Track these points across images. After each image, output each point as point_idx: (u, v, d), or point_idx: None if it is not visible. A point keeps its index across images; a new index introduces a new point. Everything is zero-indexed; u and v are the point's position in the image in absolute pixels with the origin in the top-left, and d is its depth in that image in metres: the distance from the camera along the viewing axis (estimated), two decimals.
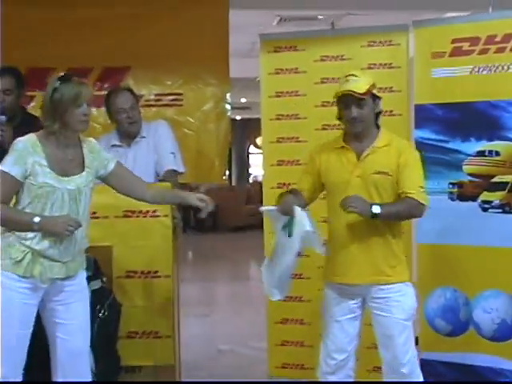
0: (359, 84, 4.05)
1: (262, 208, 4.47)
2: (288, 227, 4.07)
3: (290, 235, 4.07)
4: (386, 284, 4.05)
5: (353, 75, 4.11)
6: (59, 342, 3.78)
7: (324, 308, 4.39)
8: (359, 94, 4.01)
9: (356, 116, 4.05)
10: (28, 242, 3.61)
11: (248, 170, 22.28)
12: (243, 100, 15.93)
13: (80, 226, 3.63)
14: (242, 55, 6.19)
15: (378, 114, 4.23)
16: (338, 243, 4.21)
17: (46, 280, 3.66)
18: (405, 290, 4.11)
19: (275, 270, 4.24)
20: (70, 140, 3.77)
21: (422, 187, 4.12)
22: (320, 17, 7.06)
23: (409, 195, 4.03)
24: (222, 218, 17.61)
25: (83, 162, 3.81)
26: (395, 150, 4.14)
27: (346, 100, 4.07)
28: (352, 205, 3.87)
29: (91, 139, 3.96)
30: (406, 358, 4.08)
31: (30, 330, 3.71)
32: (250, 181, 21.95)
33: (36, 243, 3.62)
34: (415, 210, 4.12)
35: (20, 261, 3.60)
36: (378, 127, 4.24)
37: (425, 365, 5.17)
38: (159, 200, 4.25)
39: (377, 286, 4.06)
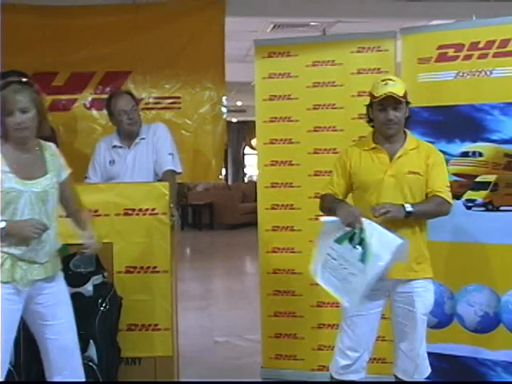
0: (398, 88, 4.06)
1: (323, 218, 4.24)
2: (352, 238, 3.95)
3: (359, 246, 3.94)
4: (413, 280, 4.07)
5: (390, 79, 4.13)
6: (49, 342, 3.75)
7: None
8: (399, 96, 4.03)
9: (393, 118, 4.06)
10: (6, 248, 3.55)
11: (243, 170, 22.30)
12: (239, 103, 15.94)
13: (47, 228, 3.58)
14: (238, 60, 6.21)
15: (407, 119, 4.23)
16: None
17: (27, 283, 3.61)
18: (428, 286, 4.14)
19: (351, 282, 4.01)
20: (26, 145, 3.69)
21: (448, 187, 4.17)
22: (313, 23, 7.09)
23: (437, 194, 4.08)
24: (218, 216, 17.61)
25: (45, 165, 3.73)
26: (424, 152, 4.19)
27: (385, 102, 4.06)
28: (382, 210, 3.87)
29: (51, 144, 3.87)
30: (422, 349, 4.15)
31: (14, 335, 3.66)
32: (246, 180, 21.96)
33: (14, 248, 3.56)
34: (444, 207, 4.15)
35: (0, 267, 3.54)
36: (405, 131, 4.26)
37: None
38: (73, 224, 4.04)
39: (405, 281, 4.07)
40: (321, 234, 4.18)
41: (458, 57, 5.06)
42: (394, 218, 3.90)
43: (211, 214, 17.79)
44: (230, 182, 22.49)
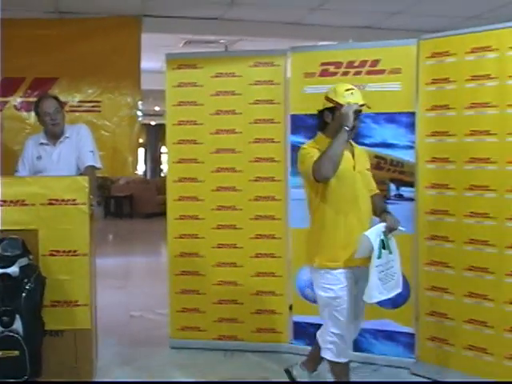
0: (360, 97, 4.05)
1: (366, 233, 3.98)
2: (384, 246, 3.99)
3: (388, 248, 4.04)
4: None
5: (353, 89, 4.05)
6: None
7: (344, 292, 4.04)
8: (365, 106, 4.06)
9: (355, 126, 4.02)
10: None
11: (160, 167, 22.26)
12: (157, 108, 15.90)
13: None
14: (156, 71, 6.26)
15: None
16: (348, 230, 4.04)
17: None
18: None
19: (395, 273, 4.12)
20: None
21: None
22: (222, 41, 7.19)
23: (378, 192, 4.32)
24: (137, 206, 17.61)
25: None
26: (365, 155, 4.32)
27: (358, 111, 4.01)
28: (396, 226, 4.01)
29: None
30: None
31: None
32: (162, 175, 21.89)
33: None
34: None
35: None
36: None
37: (297, 325, 5.46)
38: None
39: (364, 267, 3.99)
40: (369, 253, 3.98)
41: (337, 73, 5.21)
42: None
43: (131, 204, 17.75)
44: (148, 177, 22.44)
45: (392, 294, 4.10)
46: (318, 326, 5.25)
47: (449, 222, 4.85)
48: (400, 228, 4.05)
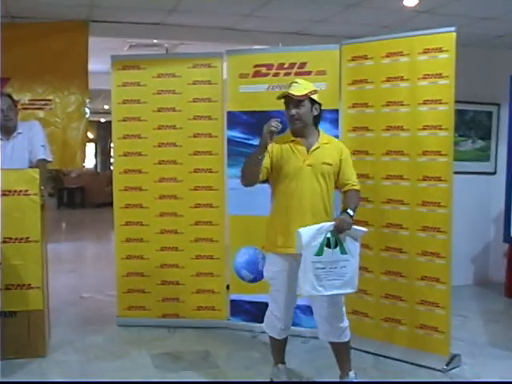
0: (298, 89, 3.93)
1: (300, 230, 3.83)
2: (328, 243, 3.82)
3: (335, 247, 3.84)
4: None
5: (296, 82, 4.00)
6: None
7: (280, 275, 4.05)
8: (295, 96, 3.91)
9: (294, 114, 3.94)
10: None
11: (110, 160, 22.04)
12: (106, 107, 15.75)
13: None
14: (105, 72, 6.20)
15: (316, 117, 4.05)
16: (286, 221, 4.00)
17: None
18: None
19: (346, 273, 3.90)
20: None
21: (357, 177, 4.16)
22: (164, 45, 7.18)
23: (354, 187, 4.07)
24: (88, 197, 17.41)
25: None
26: (336, 148, 4.08)
27: (287, 101, 3.97)
28: (345, 227, 3.81)
29: None
30: None
31: None
32: (111, 168, 21.68)
33: None
34: (359, 197, 4.13)
35: None
36: (318, 128, 4.10)
37: (233, 303, 5.54)
38: None
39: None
40: (305, 246, 3.82)
41: (269, 74, 5.28)
42: (350, 225, 3.84)
43: (83, 195, 17.57)
44: (98, 170, 22.23)
45: (335, 292, 3.90)
46: (253, 303, 5.42)
47: (368, 208, 4.95)
48: (357, 229, 3.91)
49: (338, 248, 3.87)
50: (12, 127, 5.17)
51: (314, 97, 4.00)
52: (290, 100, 3.96)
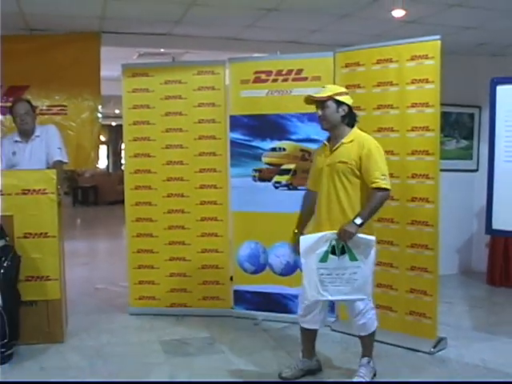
0: (322, 92, 3.90)
1: (302, 237, 3.88)
2: (334, 251, 3.74)
3: (342, 254, 3.74)
4: None
5: (323, 87, 3.99)
6: None
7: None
8: (316, 98, 3.89)
9: (320, 115, 3.90)
10: None
11: (120, 161, 22.06)
12: (117, 111, 15.71)
13: None
14: (116, 79, 6.20)
15: (344, 117, 3.92)
16: (316, 218, 4.04)
17: None
18: None
19: (356, 279, 3.78)
20: None
21: (383, 174, 3.79)
22: (172, 54, 7.17)
23: (374, 185, 3.77)
24: (101, 195, 17.46)
25: None
26: (358, 144, 3.87)
27: (315, 104, 3.93)
28: (345, 238, 3.70)
29: None
30: None
31: None
32: (122, 168, 21.67)
33: None
34: (382, 197, 3.80)
35: None
36: (350, 127, 3.96)
37: (237, 294, 5.55)
38: None
39: None
40: (302, 253, 3.84)
41: (268, 80, 5.29)
42: (352, 235, 3.70)
43: (96, 193, 17.62)
44: (110, 170, 22.24)
45: (343, 298, 3.86)
46: (255, 293, 5.43)
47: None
48: (363, 237, 3.76)
49: (346, 255, 3.74)
50: (29, 130, 5.19)
51: (342, 98, 3.92)
52: (316, 103, 3.95)
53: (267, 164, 5.36)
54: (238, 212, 5.47)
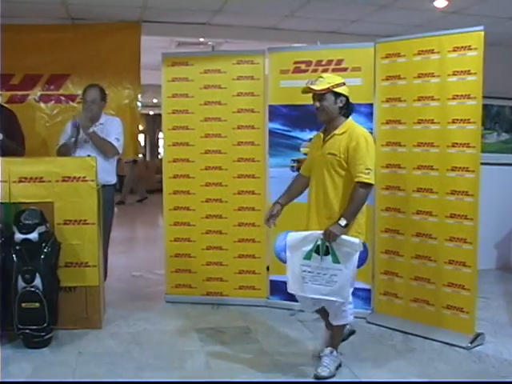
0: (319, 83, 3.85)
1: (290, 234, 3.98)
2: (318, 250, 3.77)
3: (325, 255, 3.75)
4: None
5: (321, 77, 3.94)
6: None
7: None
8: (314, 90, 3.85)
9: (318, 106, 3.88)
10: None
11: (158, 150, 22.18)
12: (155, 100, 15.75)
13: None
14: (154, 68, 6.20)
15: (341, 108, 3.90)
16: (308, 209, 4.08)
17: None
18: None
19: (336, 281, 3.77)
20: None
21: (367, 169, 3.75)
22: (210, 43, 7.19)
23: (356, 180, 3.74)
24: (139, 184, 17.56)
25: None
26: (349, 136, 3.83)
27: (312, 95, 3.92)
28: (329, 239, 3.70)
29: None
30: None
31: None
32: (159, 157, 21.78)
33: None
34: (362, 193, 3.75)
35: None
36: (345, 118, 3.94)
37: (273, 283, 5.54)
38: None
39: None
40: (288, 249, 3.93)
41: (307, 70, 5.24)
42: (336, 237, 3.68)
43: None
44: (148, 159, 22.35)
45: (320, 297, 3.84)
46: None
47: (400, 196, 4.94)
48: (347, 239, 3.73)
49: (329, 256, 3.76)
50: (93, 117, 5.30)
51: (340, 89, 3.89)
52: (314, 94, 3.92)
53: (305, 154, 5.22)
54: None
